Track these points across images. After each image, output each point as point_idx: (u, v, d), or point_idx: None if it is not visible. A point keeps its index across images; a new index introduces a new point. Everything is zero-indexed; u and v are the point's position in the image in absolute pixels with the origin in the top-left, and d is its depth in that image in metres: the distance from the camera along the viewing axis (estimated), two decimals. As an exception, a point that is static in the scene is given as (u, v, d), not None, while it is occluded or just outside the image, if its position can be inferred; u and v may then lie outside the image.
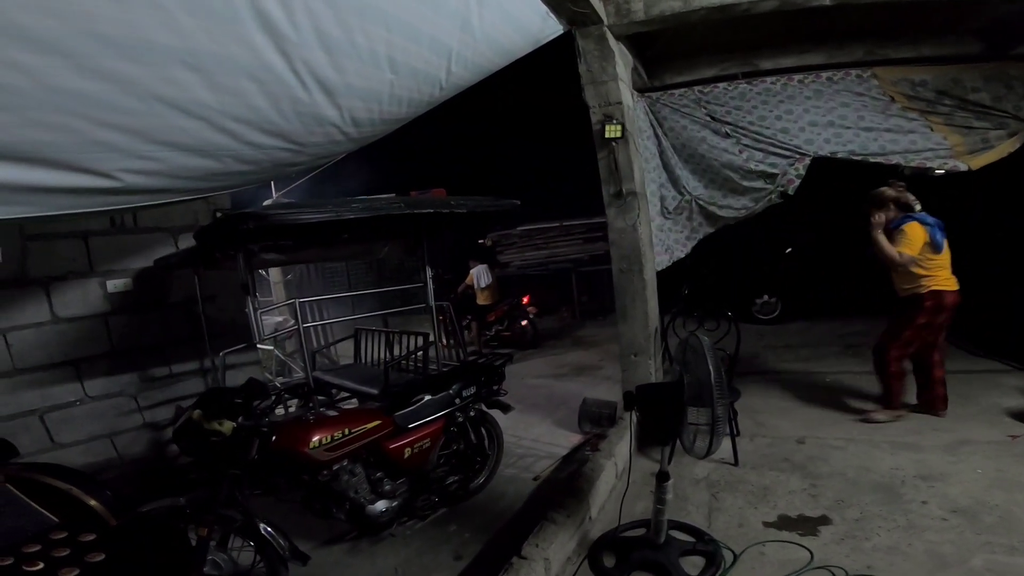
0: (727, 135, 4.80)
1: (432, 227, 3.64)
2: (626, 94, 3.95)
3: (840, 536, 2.60)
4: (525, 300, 7.84)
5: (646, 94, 5.05)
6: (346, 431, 2.78)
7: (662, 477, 2.53)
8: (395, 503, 3.02)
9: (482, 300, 7.88)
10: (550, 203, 9.32)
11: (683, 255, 4.97)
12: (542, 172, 10.63)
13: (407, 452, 3.05)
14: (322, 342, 6.18)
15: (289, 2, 1.67)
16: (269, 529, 2.38)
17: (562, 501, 2.92)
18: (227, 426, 2.50)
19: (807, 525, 2.73)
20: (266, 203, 6.99)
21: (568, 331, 9.07)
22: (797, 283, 7.23)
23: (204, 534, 2.19)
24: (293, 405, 3.09)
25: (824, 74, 4.60)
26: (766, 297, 7.35)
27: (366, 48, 2.14)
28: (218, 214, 3.70)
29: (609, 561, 2.69)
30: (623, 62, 4.07)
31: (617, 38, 4.00)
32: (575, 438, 4.37)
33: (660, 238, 4.75)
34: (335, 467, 2.78)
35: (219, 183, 2.73)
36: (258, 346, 6.04)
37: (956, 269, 3.73)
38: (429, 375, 3.42)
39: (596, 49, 3.80)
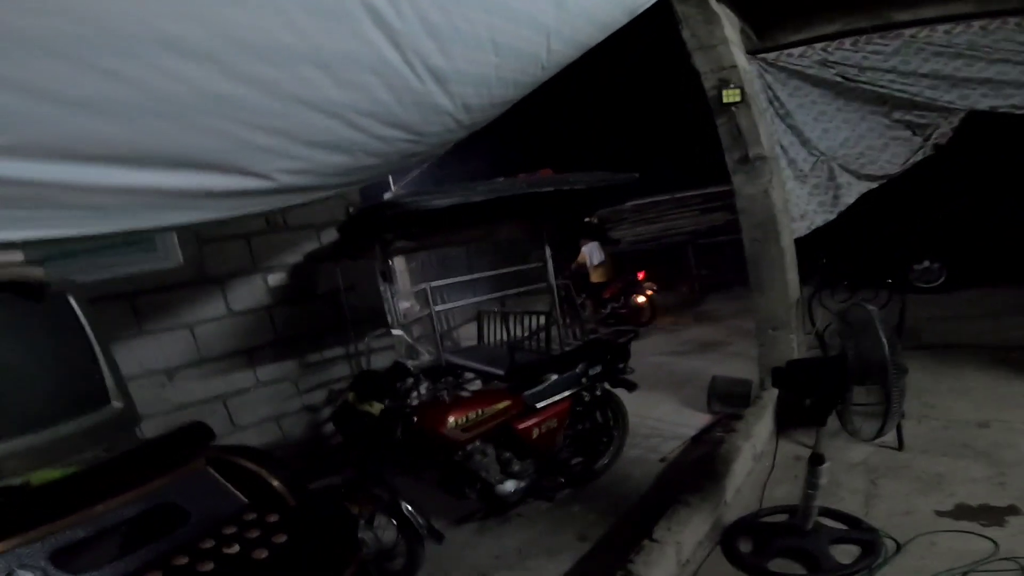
0: (864, 94, 4.28)
1: (551, 207, 3.64)
2: (740, 57, 3.70)
3: (1035, 528, 2.19)
4: (641, 276, 7.57)
5: (759, 56, 4.64)
6: (480, 412, 2.87)
7: (815, 460, 2.31)
8: (523, 483, 3.03)
9: (596, 278, 7.74)
10: (660, 175, 8.86)
11: (825, 221, 4.50)
12: (649, 144, 10.13)
13: (535, 432, 3.06)
14: (446, 326, 6.49)
15: None
16: (410, 508, 2.49)
17: (696, 483, 2.80)
18: (376, 407, 2.68)
19: (991, 515, 2.34)
20: (387, 196, 7.44)
21: (688, 306, 8.64)
22: (966, 245, 6.13)
23: (358, 512, 2.37)
24: (423, 388, 3.24)
25: (976, 23, 3.90)
26: (927, 263, 6.34)
27: (469, 32, 2.10)
28: (350, 209, 4.00)
29: (745, 547, 2.54)
30: (730, 24, 3.77)
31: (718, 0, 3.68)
32: (704, 418, 4.16)
33: (795, 203, 4.34)
34: (468, 447, 2.87)
35: (354, 178, 2.85)
36: (392, 331, 6.53)
37: None
38: (552, 354, 3.43)
39: (699, 13, 3.55)
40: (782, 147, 4.63)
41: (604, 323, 7.78)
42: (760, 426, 3.31)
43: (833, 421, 3.04)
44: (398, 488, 2.58)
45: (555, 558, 2.75)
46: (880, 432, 2.07)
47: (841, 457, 3.09)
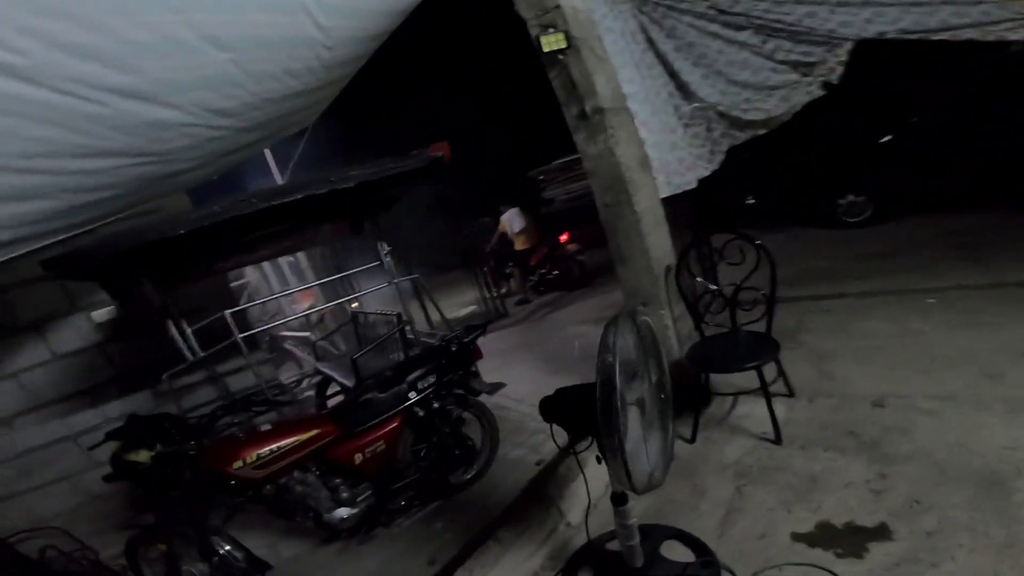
0: (741, 27, 3.75)
1: (371, 201, 3.16)
2: None
3: (896, 559, 1.80)
4: (563, 238, 7.03)
5: None
6: (275, 447, 2.60)
7: (617, 500, 1.88)
8: (356, 510, 2.81)
9: (520, 245, 7.21)
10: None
11: (706, 173, 4.06)
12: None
13: (358, 458, 2.79)
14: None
15: None
16: (224, 544, 2.44)
17: (522, 511, 2.42)
18: (143, 455, 2.49)
19: (854, 540, 1.94)
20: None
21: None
22: (892, 176, 5.57)
23: (163, 550, 2.44)
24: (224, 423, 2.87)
25: None
26: (852, 196, 5.80)
27: (159, 39, 1.90)
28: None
29: (584, 580, 2.17)
30: None
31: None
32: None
33: (677, 155, 3.85)
34: (282, 480, 2.65)
35: (85, 216, 2.55)
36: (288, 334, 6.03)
37: None
38: (385, 368, 3.06)
39: None
40: (670, 91, 4.12)
41: (535, 290, 7.32)
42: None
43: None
44: (211, 526, 2.52)
45: (399, 585, 2.50)
46: (625, 477, 1.62)
47: (715, 456, 2.70)
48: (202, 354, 3.17)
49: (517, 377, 4.45)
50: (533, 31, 2.97)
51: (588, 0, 3.40)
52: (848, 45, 3.44)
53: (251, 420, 3.00)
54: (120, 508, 3.76)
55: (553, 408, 1.80)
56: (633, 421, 1.67)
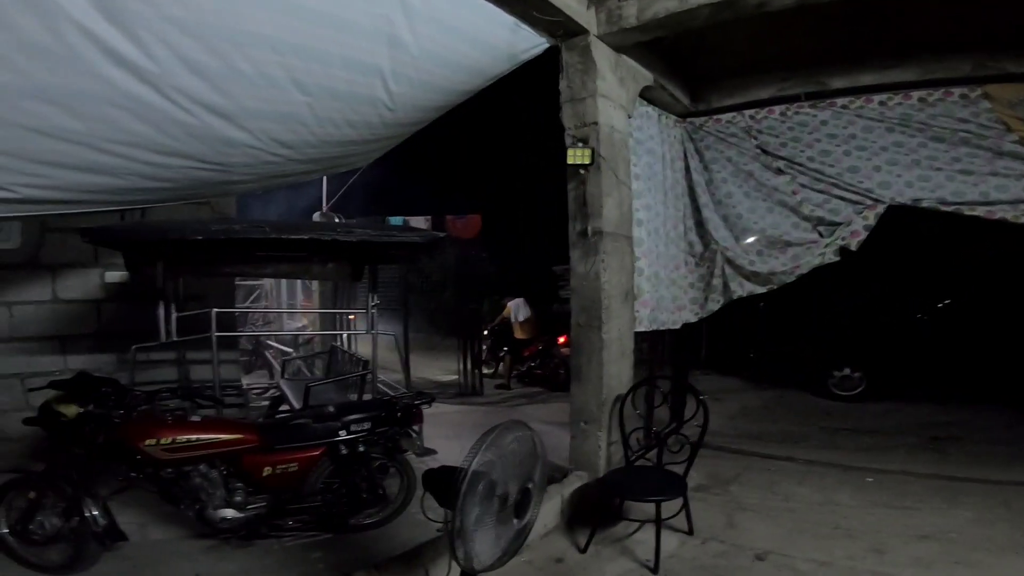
0: (780, 171, 3.89)
1: (373, 255, 3.60)
2: (609, 113, 3.34)
3: None
4: (561, 340, 7.25)
5: (688, 119, 4.34)
6: (193, 437, 2.80)
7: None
8: (244, 515, 2.92)
9: (519, 334, 7.58)
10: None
11: (694, 319, 4.09)
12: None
13: (267, 471, 2.95)
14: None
15: (139, 38, 1.82)
16: (93, 509, 2.55)
17: (397, 565, 2.48)
18: (72, 410, 2.67)
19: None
20: (316, 215, 7.53)
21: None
22: (897, 358, 5.63)
23: (32, 497, 2.59)
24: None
25: (915, 94, 3.51)
26: (847, 370, 5.81)
27: (255, 72, 2.20)
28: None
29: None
30: (618, 77, 3.49)
31: (618, 49, 3.50)
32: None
33: (671, 293, 3.98)
34: (187, 468, 2.80)
35: (139, 197, 3.01)
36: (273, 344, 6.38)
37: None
38: (329, 403, 3.34)
39: (579, 62, 3.32)
40: (689, 226, 4.23)
41: (519, 380, 7.49)
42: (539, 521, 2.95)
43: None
44: (92, 490, 2.62)
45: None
46: (457, 555, 1.73)
47: (596, 569, 2.75)
48: (175, 339, 3.52)
49: (459, 450, 4.54)
50: (567, 140, 3.28)
51: (637, 119, 3.63)
52: (880, 208, 3.49)
53: (193, 409, 3.13)
54: (20, 452, 3.73)
55: (431, 480, 1.96)
56: (487, 512, 1.81)
